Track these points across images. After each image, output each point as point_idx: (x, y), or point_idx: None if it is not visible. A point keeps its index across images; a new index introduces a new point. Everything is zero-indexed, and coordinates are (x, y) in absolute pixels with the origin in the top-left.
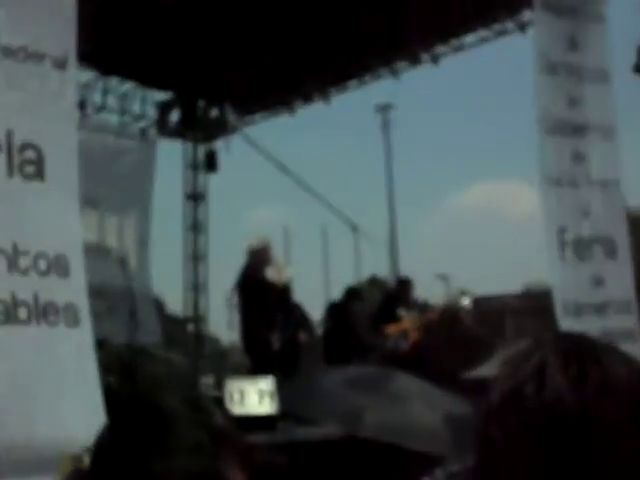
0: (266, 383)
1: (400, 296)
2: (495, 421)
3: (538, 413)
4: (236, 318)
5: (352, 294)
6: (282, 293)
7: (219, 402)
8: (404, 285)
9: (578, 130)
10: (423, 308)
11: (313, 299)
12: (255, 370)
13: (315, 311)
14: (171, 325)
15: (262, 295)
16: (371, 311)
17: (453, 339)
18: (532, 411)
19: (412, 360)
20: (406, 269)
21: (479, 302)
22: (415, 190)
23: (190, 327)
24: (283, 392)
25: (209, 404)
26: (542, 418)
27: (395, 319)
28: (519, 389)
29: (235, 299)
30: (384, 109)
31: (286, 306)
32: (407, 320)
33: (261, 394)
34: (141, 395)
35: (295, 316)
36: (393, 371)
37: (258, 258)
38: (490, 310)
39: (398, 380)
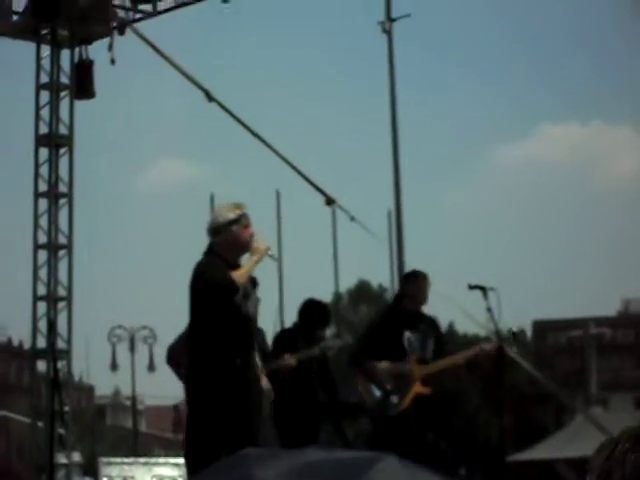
0: (172, 467)
1: (403, 309)
2: None
3: None
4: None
5: (314, 313)
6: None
7: None
8: (412, 286)
9: None
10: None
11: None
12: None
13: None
14: (9, 362)
15: (235, 304)
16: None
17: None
18: None
19: (407, 430)
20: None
21: (542, 330)
22: (437, 141)
23: (42, 366)
24: None
25: None
26: None
27: (394, 354)
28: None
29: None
30: None
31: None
32: (413, 362)
33: None
34: None
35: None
36: (377, 456)
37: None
38: (562, 345)
39: (385, 473)
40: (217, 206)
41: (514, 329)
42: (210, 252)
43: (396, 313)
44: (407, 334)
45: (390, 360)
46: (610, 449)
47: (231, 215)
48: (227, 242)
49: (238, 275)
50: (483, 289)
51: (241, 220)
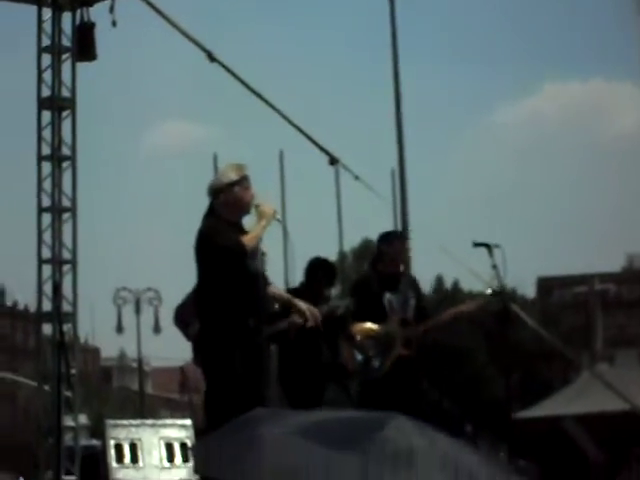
0: (179, 429)
1: (381, 271)
2: None
3: None
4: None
5: (319, 271)
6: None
7: (94, 460)
8: (388, 247)
9: None
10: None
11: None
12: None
13: None
14: (14, 324)
15: (245, 267)
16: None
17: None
18: None
19: (389, 392)
20: (420, 227)
21: (547, 287)
22: (441, 100)
23: (47, 329)
24: (202, 446)
25: None
26: None
27: (375, 316)
28: None
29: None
30: None
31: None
32: (394, 324)
33: (169, 448)
34: None
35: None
36: (388, 416)
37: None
38: (566, 302)
39: (398, 431)
40: (220, 167)
41: (490, 290)
42: (211, 213)
43: (374, 275)
44: (387, 295)
45: (372, 322)
46: None
47: (233, 176)
48: (229, 203)
49: (248, 239)
50: (488, 246)
51: (243, 182)
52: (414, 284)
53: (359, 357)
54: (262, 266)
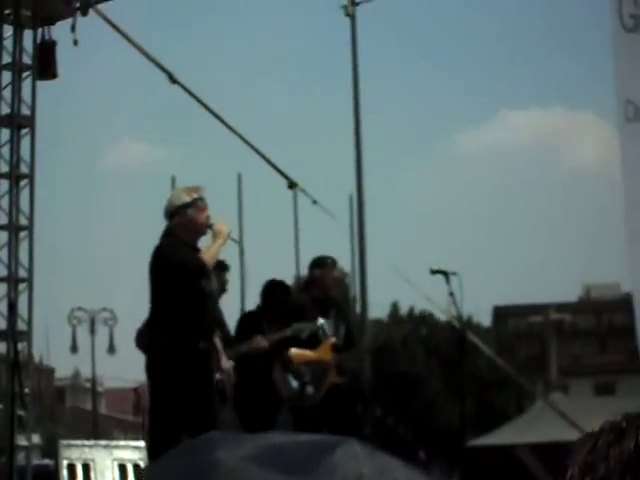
0: (132, 450)
1: (313, 296)
2: None
3: None
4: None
5: (278, 292)
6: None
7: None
8: (319, 273)
9: None
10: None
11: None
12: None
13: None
14: None
15: (200, 287)
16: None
17: None
18: None
19: (322, 418)
20: (376, 254)
21: (503, 316)
22: (400, 126)
23: (1, 347)
24: (154, 467)
25: None
26: None
27: (307, 342)
28: None
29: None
30: None
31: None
32: (327, 349)
33: (122, 469)
34: None
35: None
36: (339, 440)
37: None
38: (522, 330)
39: (348, 456)
40: (174, 189)
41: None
42: (168, 235)
43: (308, 300)
44: (320, 321)
45: (304, 348)
46: (592, 443)
47: (186, 198)
48: (183, 225)
49: (207, 258)
50: (445, 274)
51: (197, 203)
52: (344, 310)
53: (294, 383)
54: (218, 290)
